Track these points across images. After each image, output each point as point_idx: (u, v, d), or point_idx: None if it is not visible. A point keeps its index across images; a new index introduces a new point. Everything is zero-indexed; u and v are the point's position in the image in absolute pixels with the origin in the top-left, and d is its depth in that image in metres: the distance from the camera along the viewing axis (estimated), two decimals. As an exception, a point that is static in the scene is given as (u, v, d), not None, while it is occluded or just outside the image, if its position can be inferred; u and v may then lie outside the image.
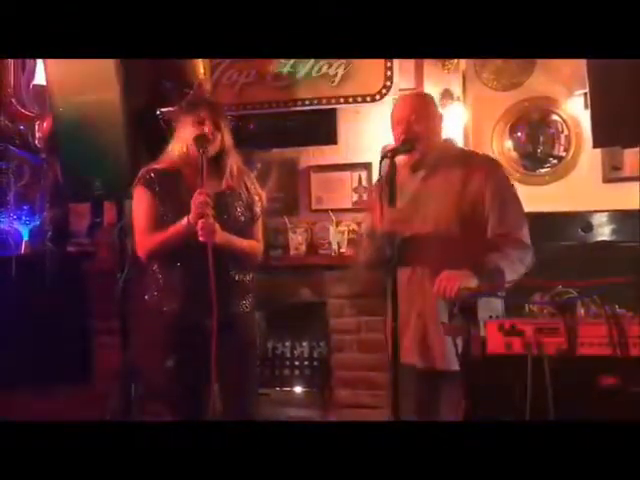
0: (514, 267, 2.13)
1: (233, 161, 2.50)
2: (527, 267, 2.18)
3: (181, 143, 2.43)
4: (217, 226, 2.32)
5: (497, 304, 2.13)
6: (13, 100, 3.70)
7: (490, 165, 2.36)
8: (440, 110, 2.49)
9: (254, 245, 2.54)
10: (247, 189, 2.52)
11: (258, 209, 2.55)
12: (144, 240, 2.43)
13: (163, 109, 2.90)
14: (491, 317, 1.66)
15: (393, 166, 2.05)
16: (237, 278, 2.47)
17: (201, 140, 2.35)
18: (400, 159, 2.29)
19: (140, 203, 2.43)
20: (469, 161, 2.35)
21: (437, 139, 2.37)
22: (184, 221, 2.32)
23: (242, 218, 2.48)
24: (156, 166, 2.45)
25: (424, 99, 2.48)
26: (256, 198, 2.55)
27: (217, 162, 2.44)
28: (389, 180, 2.04)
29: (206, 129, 2.37)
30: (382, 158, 2.09)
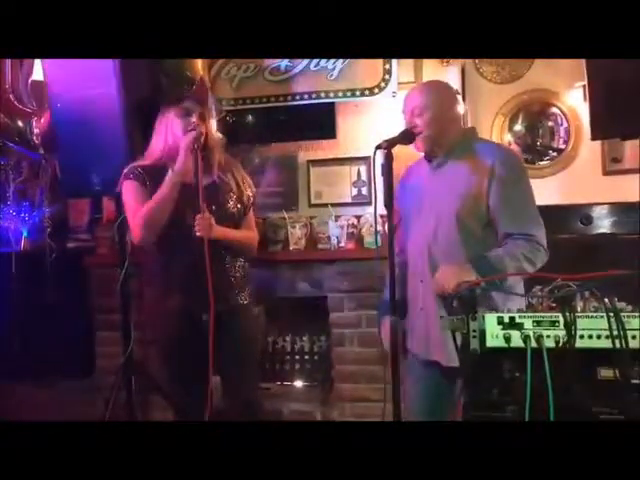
0: (519, 265, 2.07)
1: (219, 152, 2.51)
2: (536, 267, 2.11)
3: (165, 136, 2.42)
4: (212, 219, 2.34)
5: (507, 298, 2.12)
6: (11, 96, 3.69)
7: (502, 160, 2.21)
8: (453, 98, 2.35)
9: (250, 235, 2.56)
10: (235, 180, 2.53)
11: (249, 199, 2.56)
12: (139, 219, 2.38)
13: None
14: (491, 310, 1.66)
15: (389, 157, 2.02)
16: (234, 270, 2.48)
17: (198, 139, 2.34)
18: (414, 150, 2.29)
19: (131, 194, 2.41)
20: (482, 154, 2.23)
21: (446, 129, 2.25)
22: (169, 172, 2.32)
23: (235, 209, 2.48)
24: (142, 163, 2.44)
25: (430, 88, 2.35)
26: (246, 188, 2.56)
27: (204, 155, 2.43)
28: (383, 172, 2.02)
29: (193, 119, 2.37)
30: (376, 149, 2.03)
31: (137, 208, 2.38)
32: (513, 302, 2.09)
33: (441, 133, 2.25)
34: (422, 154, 2.35)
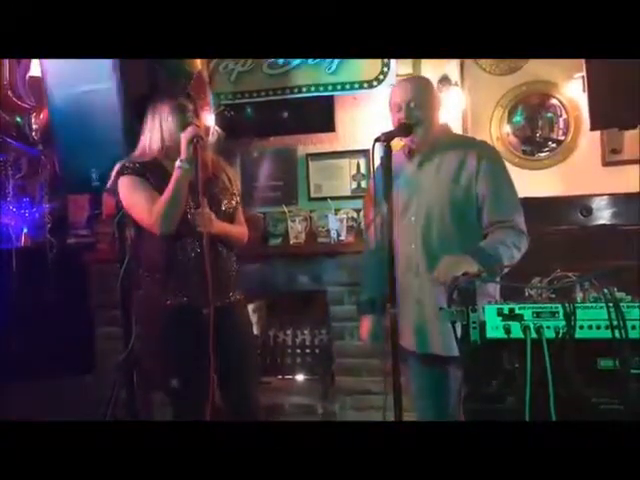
0: (510, 253, 2.14)
1: (211, 150, 2.52)
2: (521, 253, 2.18)
3: (161, 133, 2.40)
4: (212, 215, 2.34)
5: (494, 289, 2.14)
6: (9, 92, 3.68)
7: (485, 152, 2.32)
8: (438, 95, 2.46)
9: (243, 231, 2.59)
10: (228, 177, 2.55)
11: (239, 195, 2.58)
12: (153, 211, 2.32)
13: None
14: (490, 302, 1.67)
15: (387, 150, 2.03)
16: (230, 265, 2.50)
17: (198, 133, 2.33)
18: (397, 144, 2.29)
19: (136, 188, 2.37)
20: (464, 147, 2.32)
21: (435, 124, 2.34)
22: (177, 164, 2.29)
23: (230, 206, 2.50)
24: (136, 159, 2.42)
25: (422, 84, 2.42)
26: (236, 184, 2.60)
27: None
28: (383, 165, 2.03)
29: (188, 117, 2.36)
30: (375, 142, 2.04)
31: (147, 201, 2.35)
32: (497, 292, 2.14)
33: (431, 126, 2.30)
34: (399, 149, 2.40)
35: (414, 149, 2.34)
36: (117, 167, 2.40)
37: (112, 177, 2.41)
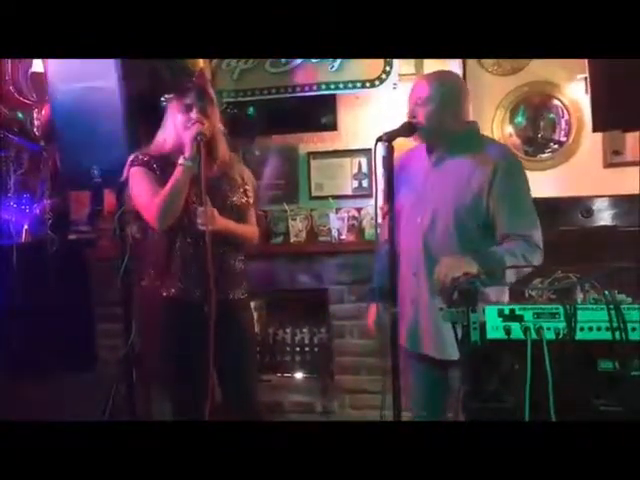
0: (516, 262, 2.06)
1: (223, 146, 2.51)
2: (531, 265, 2.10)
3: (171, 130, 2.42)
4: (216, 212, 2.34)
5: (496, 296, 2.12)
6: (11, 88, 3.69)
7: (504, 159, 2.19)
8: (460, 91, 2.32)
9: (251, 230, 2.57)
10: (241, 174, 2.55)
11: (251, 194, 2.57)
12: (153, 204, 2.35)
13: (167, 96, 2.89)
14: (491, 303, 1.67)
15: (389, 150, 2.02)
16: (234, 263, 2.49)
17: (200, 132, 2.33)
18: (413, 143, 2.29)
19: (142, 181, 2.39)
20: (483, 151, 2.21)
21: (449, 122, 2.22)
22: (180, 161, 2.30)
23: (238, 203, 2.49)
24: (148, 152, 2.44)
25: (437, 80, 2.28)
26: (249, 182, 2.57)
27: (207, 148, 2.40)
28: (384, 165, 2.01)
29: (193, 115, 2.36)
30: (377, 141, 2.02)
31: (150, 194, 2.36)
32: (505, 297, 2.11)
33: (442, 126, 2.22)
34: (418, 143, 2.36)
35: (431, 147, 2.28)
36: (130, 158, 2.42)
37: (125, 168, 2.44)
